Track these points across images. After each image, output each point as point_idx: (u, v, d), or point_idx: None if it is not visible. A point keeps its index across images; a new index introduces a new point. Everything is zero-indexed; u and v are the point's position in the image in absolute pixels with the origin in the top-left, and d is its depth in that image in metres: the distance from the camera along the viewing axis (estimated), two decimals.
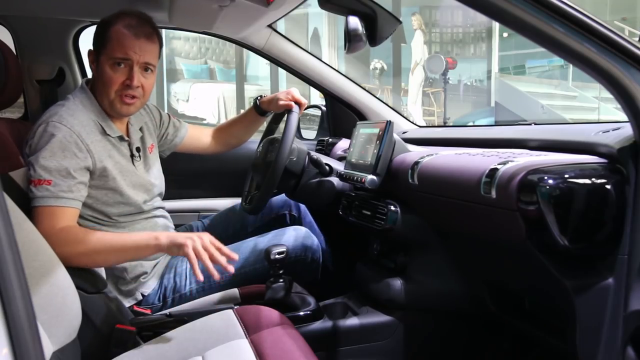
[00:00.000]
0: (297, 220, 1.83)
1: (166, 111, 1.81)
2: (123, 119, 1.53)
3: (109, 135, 1.45)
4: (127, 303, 1.47)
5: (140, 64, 1.43)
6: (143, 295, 1.51)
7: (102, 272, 1.37)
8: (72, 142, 1.34)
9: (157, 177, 1.61)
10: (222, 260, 1.23)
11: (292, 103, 1.67)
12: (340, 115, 2.15)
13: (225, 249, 1.26)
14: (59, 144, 1.32)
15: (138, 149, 1.55)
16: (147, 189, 1.53)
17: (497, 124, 7.28)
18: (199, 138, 1.85)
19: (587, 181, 0.94)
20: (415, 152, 1.45)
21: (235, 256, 1.27)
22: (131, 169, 1.49)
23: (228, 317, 1.19)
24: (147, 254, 1.32)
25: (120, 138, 1.49)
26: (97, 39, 1.45)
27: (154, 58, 1.46)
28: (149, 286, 1.52)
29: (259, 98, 1.84)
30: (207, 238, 1.26)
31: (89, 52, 1.48)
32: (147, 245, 1.28)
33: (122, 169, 1.46)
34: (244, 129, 1.89)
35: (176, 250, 1.26)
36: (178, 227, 1.78)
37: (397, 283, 1.44)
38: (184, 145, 1.82)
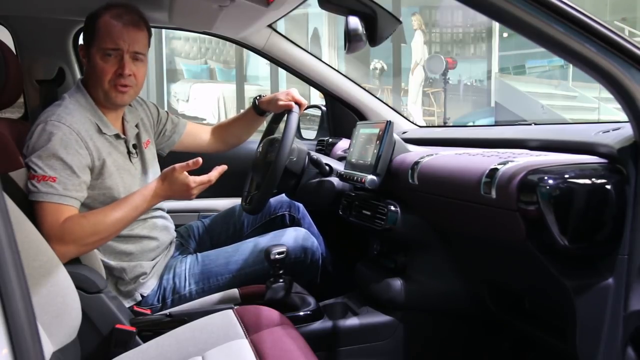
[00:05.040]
0: (296, 221, 1.83)
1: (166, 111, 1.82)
2: (118, 115, 1.53)
3: (105, 133, 1.45)
4: (127, 304, 1.46)
5: (130, 53, 1.43)
6: (142, 296, 1.51)
7: (102, 272, 1.37)
8: (72, 139, 1.34)
9: (154, 175, 1.60)
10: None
11: (292, 103, 1.67)
12: (340, 115, 2.15)
13: (203, 178, 1.43)
14: (60, 141, 1.32)
15: (135, 146, 1.55)
16: (138, 172, 1.53)
17: (497, 124, 7.28)
18: (197, 135, 1.85)
19: (587, 181, 0.94)
20: (415, 152, 1.45)
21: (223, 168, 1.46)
22: (128, 166, 1.50)
23: (228, 317, 1.19)
24: (149, 205, 1.42)
25: (117, 136, 1.49)
26: (86, 32, 1.47)
27: (143, 47, 1.47)
28: (149, 287, 1.52)
29: (257, 98, 1.83)
30: (190, 183, 1.40)
31: (80, 47, 1.49)
32: (148, 204, 1.41)
33: (120, 167, 1.46)
34: (243, 129, 1.89)
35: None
36: (178, 227, 1.78)
37: (397, 283, 1.44)
38: (182, 142, 1.81)
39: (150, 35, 1.51)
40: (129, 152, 1.52)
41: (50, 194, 1.28)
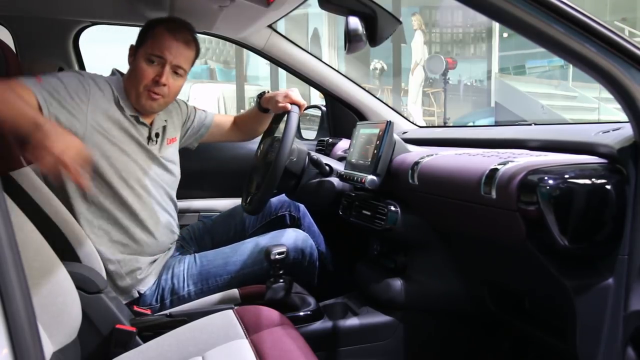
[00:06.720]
0: (297, 221, 1.83)
1: None
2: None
3: (123, 108, 1.49)
4: (124, 300, 1.46)
5: (173, 65, 1.50)
6: (140, 294, 1.50)
7: (102, 272, 1.37)
8: (81, 84, 1.42)
9: (172, 162, 1.63)
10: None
11: (289, 105, 1.66)
12: (340, 116, 2.15)
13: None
14: (70, 75, 1.42)
15: (157, 135, 1.58)
16: (152, 157, 1.55)
17: (497, 124, 7.28)
18: (224, 126, 1.90)
19: (587, 181, 0.94)
20: (415, 153, 1.45)
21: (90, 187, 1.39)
22: (136, 148, 1.51)
23: (228, 317, 1.19)
24: (24, 125, 1.15)
25: (136, 119, 1.52)
26: (140, 36, 1.54)
27: (186, 63, 1.54)
28: (146, 284, 1.51)
29: (260, 96, 1.83)
30: (74, 152, 1.14)
31: (130, 46, 1.56)
32: (27, 119, 1.16)
33: (121, 142, 1.47)
34: (255, 124, 1.90)
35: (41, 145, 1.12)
36: (179, 227, 1.77)
37: (397, 283, 1.44)
38: (211, 133, 1.86)
39: (197, 56, 1.59)
40: (149, 137, 1.55)
41: (26, 80, 1.31)
